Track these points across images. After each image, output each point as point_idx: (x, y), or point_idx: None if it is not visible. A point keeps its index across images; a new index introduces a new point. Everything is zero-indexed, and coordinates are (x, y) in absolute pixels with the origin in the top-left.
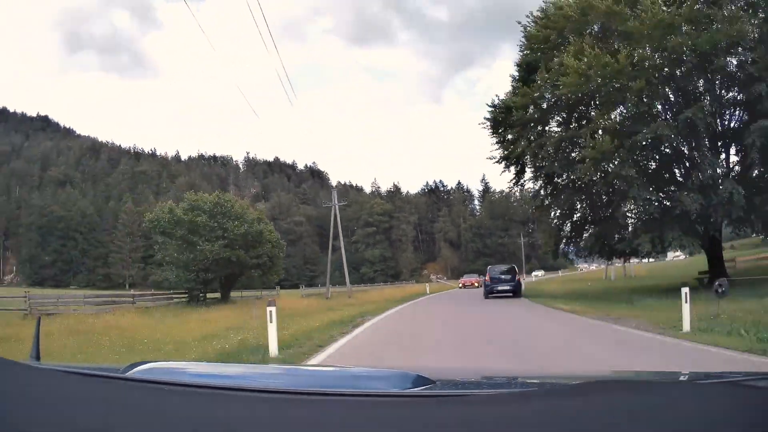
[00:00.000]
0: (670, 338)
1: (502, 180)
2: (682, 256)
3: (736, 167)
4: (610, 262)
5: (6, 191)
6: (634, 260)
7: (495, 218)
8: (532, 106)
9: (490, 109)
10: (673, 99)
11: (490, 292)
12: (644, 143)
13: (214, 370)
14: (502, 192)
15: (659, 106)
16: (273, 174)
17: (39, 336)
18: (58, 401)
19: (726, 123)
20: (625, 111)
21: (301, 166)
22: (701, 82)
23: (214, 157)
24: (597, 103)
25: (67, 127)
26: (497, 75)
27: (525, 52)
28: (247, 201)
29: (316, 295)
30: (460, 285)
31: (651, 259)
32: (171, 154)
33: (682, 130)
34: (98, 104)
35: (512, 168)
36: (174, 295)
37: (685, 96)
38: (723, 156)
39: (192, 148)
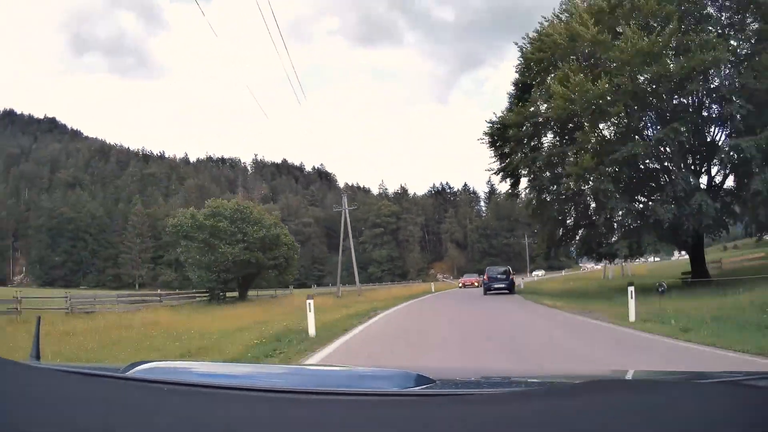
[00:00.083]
0: (615, 326)
1: (504, 185)
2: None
3: (716, 178)
4: (608, 262)
5: (15, 193)
6: (640, 259)
7: (501, 219)
8: (526, 124)
9: (489, 125)
10: (650, 120)
11: (488, 290)
12: (620, 160)
13: (215, 370)
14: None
15: (635, 126)
16: (281, 176)
17: (39, 336)
18: (58, 401)
19: (702, 139)
20: (605, 132)
21: (308, 167)
22: (676, 102)
23: (222, 159)
24: (581, 123)
25: (75, 129)
26: (504, 75)
27: (521, 71)
28: (258, 203)
29: (327, 294)
30: (460, 285)
31: (657, 258)
32: (179, 156)
33: (656, 148)
34: (106, 106)
35: (508, 179)
36: (196, 294)
37: (662, 117)
38: (704, 168)
39: (200, 150)
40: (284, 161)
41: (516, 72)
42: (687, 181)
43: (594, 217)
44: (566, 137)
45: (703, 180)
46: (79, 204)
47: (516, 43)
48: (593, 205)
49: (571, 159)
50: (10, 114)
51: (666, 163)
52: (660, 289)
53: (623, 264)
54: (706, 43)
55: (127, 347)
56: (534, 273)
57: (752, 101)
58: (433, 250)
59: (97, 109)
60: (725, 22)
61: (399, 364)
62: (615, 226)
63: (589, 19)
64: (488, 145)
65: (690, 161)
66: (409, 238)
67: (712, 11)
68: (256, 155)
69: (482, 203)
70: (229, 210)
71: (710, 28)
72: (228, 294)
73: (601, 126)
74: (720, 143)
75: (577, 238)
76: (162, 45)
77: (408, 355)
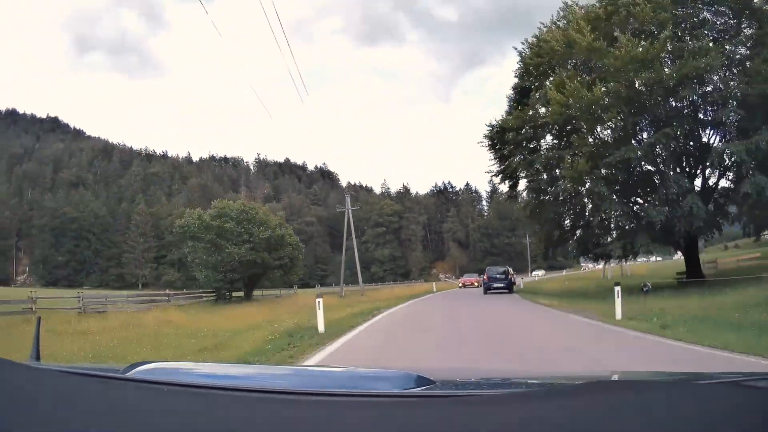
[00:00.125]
0: (601, 323)
1: (504, 186)
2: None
3: (711, 179)
4: (605, 263)
5: (18, 193)
6: (642, 259)
7: (503, 219)
8: (525, 127)
9: (488, 128)
10: (645, 123)
11: (488, 289)
12: (614, 164)
13: (215, 371)
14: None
15: (630, 131)
16: (284, 175)
17: (39, 336)
18: (57, 401)
19: (697, 142)
20: (601, 135)
21: (311, 167)
22: (670, 107)
23: (225, 159)
24: (577, 127)
25: (78, 128)
26: (507, 74)
27: (520, 76)
28: (261, 202)
29: (331, 293)
30: (460, 285)
31: (659, 258)
32: (182, 155)
33: (648, 153)
34: (108, 105)
35: (507, 181)
36: (203, 294)
37: (657, 121)
38: (698, 170)
39: (203, 149)
40: (287, 160)
41: (515, 77)
42: (678, 184)
43: (590, 219)
44: (564, 139)
45: (698, 182)
46: (83, 203)
47: (515, 48)
48: (589, 206)
49: (569, 163)
50: (12, 113)
51: (659, 166)
52: (645, 289)
53: (622, 264)
54: (699, 49)
55: (146, 345)
56: (534, 273)
57: (744, 106)
58: (435, 249)
59: (100, 108)
60: (720, 27)
61: (398, 353)
62: (611, 227)
63: (586, 26)
64: (488, 147)
65: (685, 164)
66: (411, 238)
67: (708, 15)
68: (258, 154)
69: (484, 202)
70: (236, 211)
71: (705, 32)
72: (234, 294)
73: (597, 129)
74: (714, 146)
75: (574, 238)
76: (165, 44)
77: (406, 347)
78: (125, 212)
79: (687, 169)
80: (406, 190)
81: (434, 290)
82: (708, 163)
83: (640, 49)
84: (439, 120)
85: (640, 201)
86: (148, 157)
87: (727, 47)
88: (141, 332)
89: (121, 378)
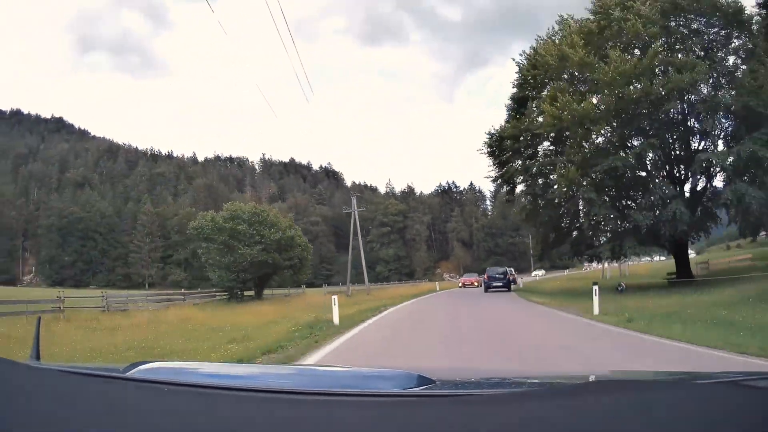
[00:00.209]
0: (577, 317)
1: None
2: (693, 254)
3: (698, 186)
4: (599, 263)
5: (24, 193)
6: (645, 258)
7: (506, 218)
8: (522, 136)
9: (488, 137)
10: (635, 132)
11: (488, 288)
12: (603, 172)
13: (216, 371)
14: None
15: (617, 143)
16: (289, 175)
17: (39, 336)
18: (58, 401)
19: (687, 148)
20: (592, 143)
21: (316, 166)
22: (658, 117)
23: (230, 159)
24: (569, 137)
25: (83, 128)
26: (510, 73)
27: (518, 86)
28: (266, 202)
29: (338, 292)
30: (460, 284)
31: (662, 258)
32: (188, 155)
33: (636, 161)
34: (113, 105)
35: (505, 186)
36: (216, 293)
37: (645, 130)
38: (688, 175)
39: (208, 149)
40: (292, 160)
41: (514, 87)
42: (663, 190)
43: (582, 222)
44: (560, 146)
45: (687, 187)
46: (89, 203)
47: (514, 60)
48: (582, 210)
49: (562, 170)
50: (17, 114)
51: (646, 172)
52: (619, 288)
53: (620, 264)
54: (685, 64)
55: (178, 338)
56: (534, 273)
57: (729, 116)
58: (439, 249)
59: (105, 108)
60: (712, 37)
61: (402, 343)
62: (602, 229)
63: (579, 40)
64: (487, 155)
65: (674, 170)
66: (415, 237)
67: (700, 26)
68: (263, 154)
69: (488, 202)
70: (247, 213)
71: (695, 39)
72: (245, 293)
73: (588, 139)
74: (697, 155)
75: (569, 240)
76: (169, 44)
77: (410, 337)
78: (131, 212)
79: (676, 175)
80: (411, 189)
81: (437, 289)
82: (691, 171)
83: (629, 64)
84: (443, 120)
85: (632, 205)
86: (154, 157)
87: (715, 59)
88: (168, 328)
89: (121, 378)
